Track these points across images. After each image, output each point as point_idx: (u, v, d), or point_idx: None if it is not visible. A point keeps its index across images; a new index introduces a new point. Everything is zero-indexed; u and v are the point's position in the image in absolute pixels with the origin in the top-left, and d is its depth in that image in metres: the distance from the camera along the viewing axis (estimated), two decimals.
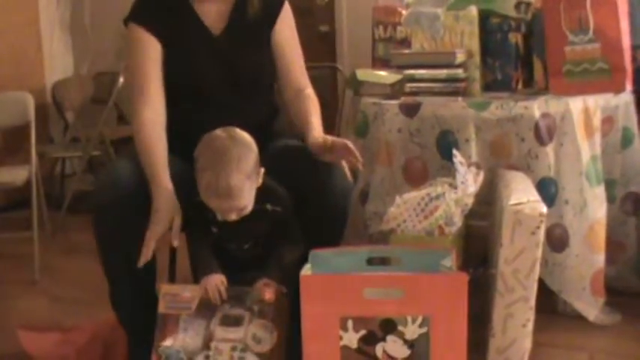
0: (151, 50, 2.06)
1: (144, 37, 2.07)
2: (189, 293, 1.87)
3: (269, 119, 2.15)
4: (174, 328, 1.85)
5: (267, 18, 2.14)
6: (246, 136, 1.85)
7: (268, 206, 1.89)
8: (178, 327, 1.85)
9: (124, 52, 4.11)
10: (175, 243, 1.90)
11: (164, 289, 1.89)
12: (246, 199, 1.82)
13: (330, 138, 1.96)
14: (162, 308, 1.87)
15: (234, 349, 1.81)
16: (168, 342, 1.83)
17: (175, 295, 1.87)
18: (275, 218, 1.91)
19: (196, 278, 1.90)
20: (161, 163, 1.93)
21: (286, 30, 2.17)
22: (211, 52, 2.08)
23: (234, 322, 1.84)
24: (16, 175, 3.38)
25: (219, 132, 1.84)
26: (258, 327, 1.83)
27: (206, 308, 1.85)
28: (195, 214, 1.91)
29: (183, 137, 1.93)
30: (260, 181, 1.86)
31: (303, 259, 1.79)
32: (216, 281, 1.84)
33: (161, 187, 1.90)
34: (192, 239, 1.93)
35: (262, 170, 1.87)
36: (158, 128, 2.00)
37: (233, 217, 1.83)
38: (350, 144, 1.91)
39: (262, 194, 1.87)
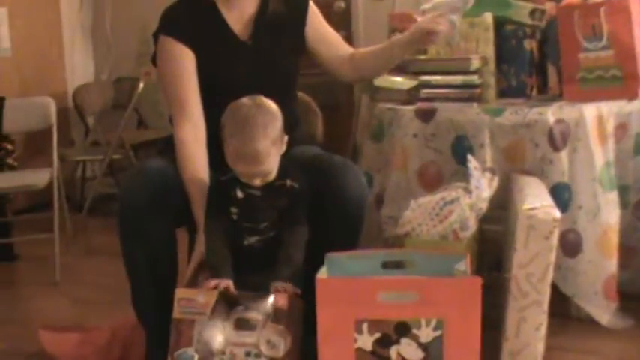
0: (187, 61, 2.06)
1: (177, 49, 2.07)
2: (203, 298, 1.85)
3: (292, 127, 2.17)
4: (189, 332, 1.83)
5: (295, 20, 2.19)
6: (271, 104, 1.89)
7: (288, 182, 1.93)
8: (193, 331, 1.83)
9: (144, 58, 4.17)
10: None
11: (179, 293, 1.87)
12: (272, 165, 1.88)
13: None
14: (177, 313, 1.85)
15: (248, 353, 1.80)
16: (182, 346, 1.83)
17: (190, 300, 1.85)
18: (293, 194, 1.93)
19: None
20: (199, 201, 1.96)
21: (316, 22, 2.25)
22: (240, 59, 2.10)
23: (248, 325, 1.82)
24: (38, 177, 3.42)
25: (245, 100, 1.88)
26: (272, 331, 1.81)
27: (220, 312, 1.84)
28: (219, 194, 1.94)
29: (215, 146, 1.96)
30: (284, 148, 1.91)
31: (311, 250, 1.88)
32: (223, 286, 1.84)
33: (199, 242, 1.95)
34: (209, 232, 1.93)
35: (286, 138, 1.92)
36: (199, 145, 2.03)
37: (257, 182, 1.88)
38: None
39: (282, 170, 1.92)
